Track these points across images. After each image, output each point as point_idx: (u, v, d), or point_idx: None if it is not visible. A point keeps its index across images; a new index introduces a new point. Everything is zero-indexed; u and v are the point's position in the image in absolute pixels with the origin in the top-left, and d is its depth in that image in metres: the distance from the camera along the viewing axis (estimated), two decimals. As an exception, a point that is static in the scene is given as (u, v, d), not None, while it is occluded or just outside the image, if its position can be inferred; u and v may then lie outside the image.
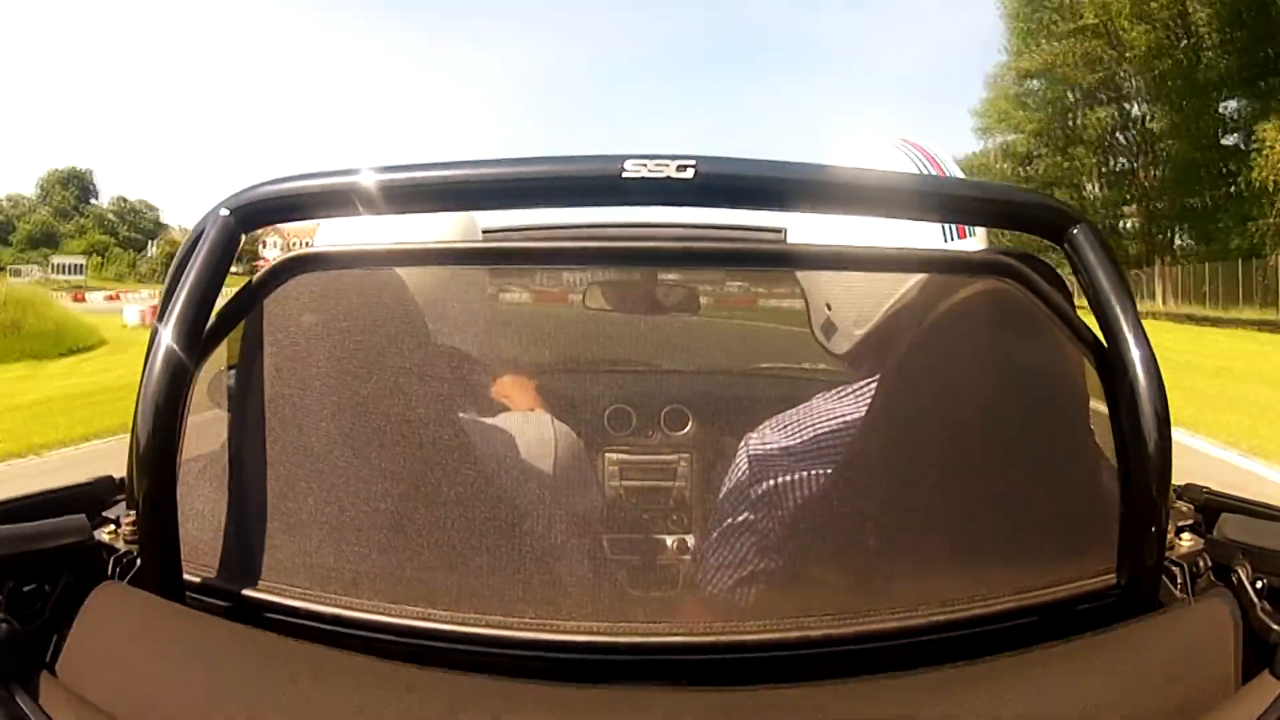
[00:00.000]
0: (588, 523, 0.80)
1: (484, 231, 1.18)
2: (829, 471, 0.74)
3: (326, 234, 0.92)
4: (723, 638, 0.62)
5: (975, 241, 0.82)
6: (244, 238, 0.64)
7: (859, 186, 0.64)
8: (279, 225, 0.72)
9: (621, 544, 0.89)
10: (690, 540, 0.88)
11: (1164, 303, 27.39)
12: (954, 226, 0.82)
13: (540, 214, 1.49)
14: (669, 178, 0.58)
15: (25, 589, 0.59)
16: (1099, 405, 0.65)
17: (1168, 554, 0.65)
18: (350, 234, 0.89)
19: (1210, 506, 0.72)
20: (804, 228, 0.88)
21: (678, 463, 1.17)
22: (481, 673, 0.55)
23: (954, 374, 0.70)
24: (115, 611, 0.58)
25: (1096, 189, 32.85)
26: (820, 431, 0.77)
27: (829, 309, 0.84)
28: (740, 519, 0.78)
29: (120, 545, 0.67)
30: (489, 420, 0.75)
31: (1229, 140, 28.84)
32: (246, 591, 0.63)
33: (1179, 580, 0.66)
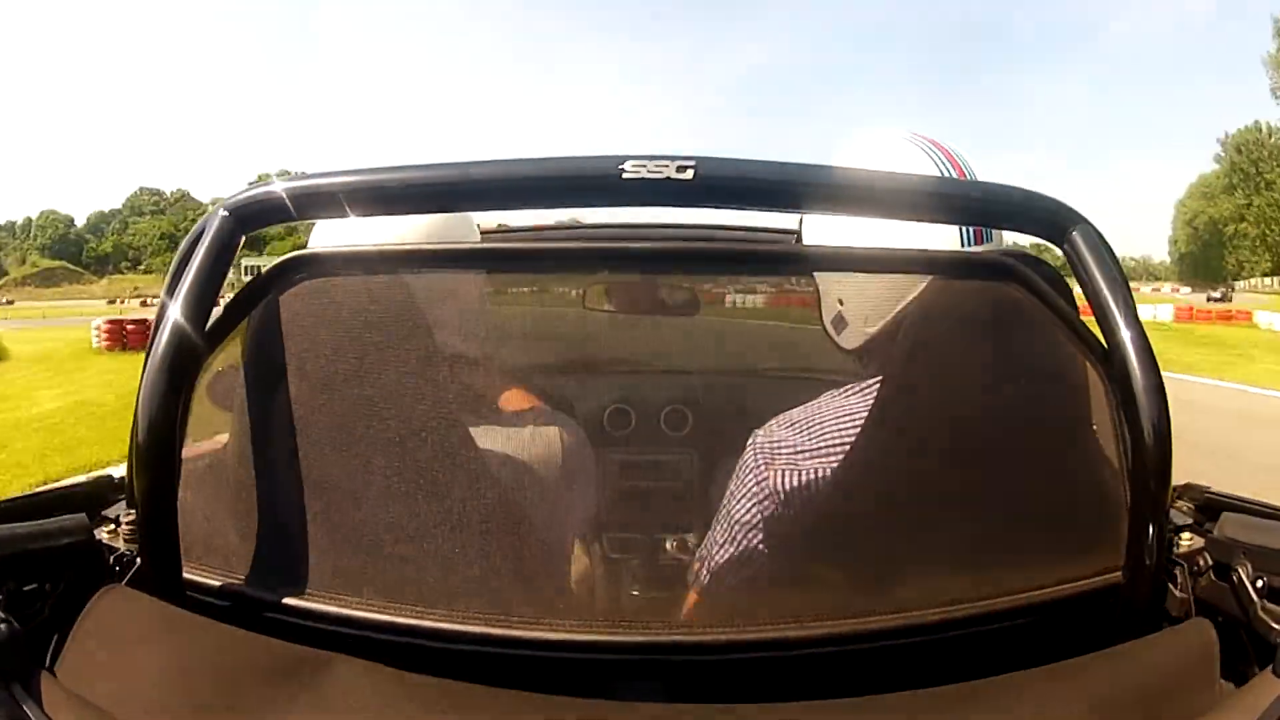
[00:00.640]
0: (588, 523, 0.80)
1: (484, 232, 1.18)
2: (836, 470, 0.74)
3: (321, 235, 0.92)
4: (725, 637, 0.62)
5: (993, 248, 0.81)
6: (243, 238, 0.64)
7: (858, 187, 0.64)
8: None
9: (622, 544, 0.89)
10: (691, 540, 0.88)
11: None
12: (971, 230, 0.82)
13: (543, 214, 1.49)
14: (669, 178, 0.58)
15: (25, 589, 0.59)
16: (1101, 405, 0.65)
17: (1168, 553, 0.65)
18: (347, 234, 0.89)
19: (1210, 506, 0.72)
20: (819, 224, 0.87)
21: (679, 462, 1.17)
22: (482, 674, 0.55)
23: (959, 374, 0.70)
24: (118, 616, 0.58)
25: None
26: (829, 429, 0.77)
27: (841, 304, 0.84)
28: (747, 517, 0.78)
29: (120, 545, 0.67)
30: (489, 421, 0.75)
31: None
32: (246, 590, 0.63)
33: (1180, 580, 0.66)
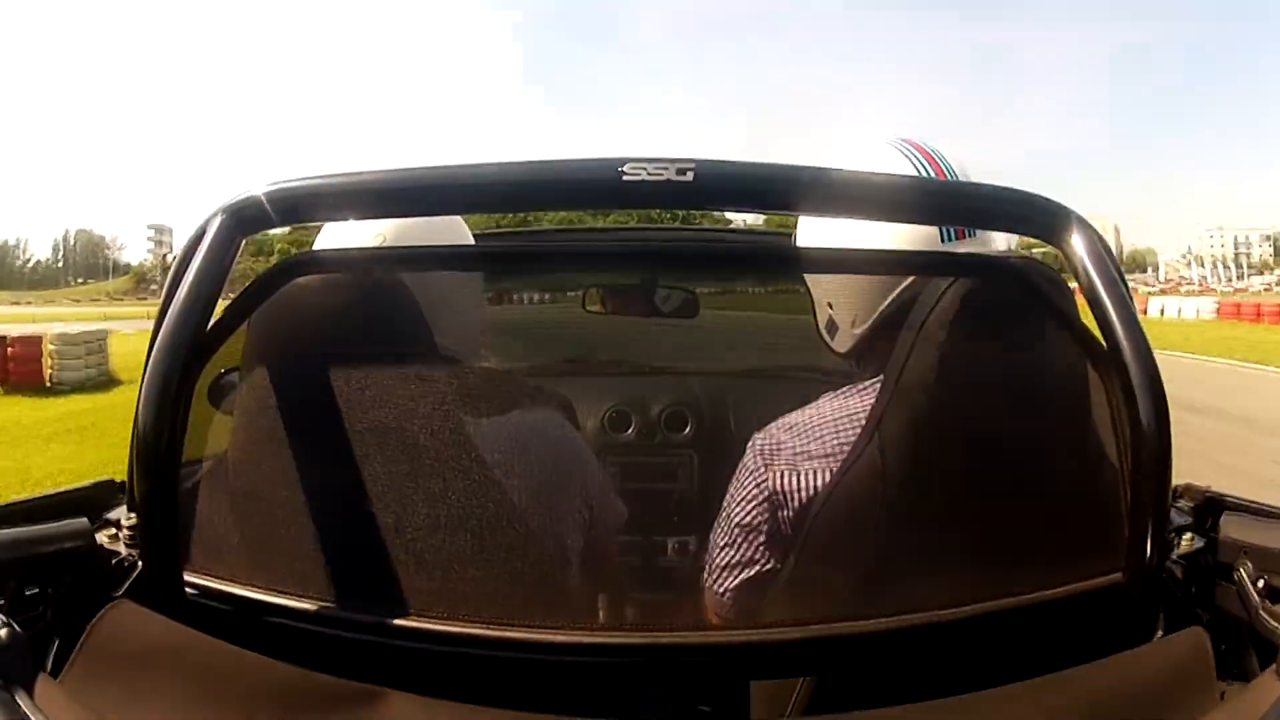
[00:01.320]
0: (588, 525, 0.80)
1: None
2: (835, 472, 0.74)
3: (328, 238, 0.92)
4: (725, 639, 0.62)
5: (975, 244, 0.82)
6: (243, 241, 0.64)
7: (855, 189, 0.64)
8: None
9: (623, 545, 0.89)
10: (691, 541, 0.89)
11: None
12: (952, 228, 0.82)
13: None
14: (669, 181, 0.58)
15: (27, 593, 0.59)
16: (1100, 405, 0.65)
17: (1169, 554, 0.65)
18: (353, 238, 0.89)
19: (1211, 506, 0.72)
20: (811, 227, 0.88)
21: (678, 464, 1.17)
22: (482, 675, 0.55)
23: (958, 376, 0.70)
24: (125, 632, 0.57)
25: None
26: (828, 431, 0.77)
27: (831, 308, 0.85)
28: (747, 520, 0.78)
29: (121, 549, 0.67)
30: (489, 422, 0.75)
31: None
32: (247, 594, 0.63)
33: (1181, 580, 0.66)
